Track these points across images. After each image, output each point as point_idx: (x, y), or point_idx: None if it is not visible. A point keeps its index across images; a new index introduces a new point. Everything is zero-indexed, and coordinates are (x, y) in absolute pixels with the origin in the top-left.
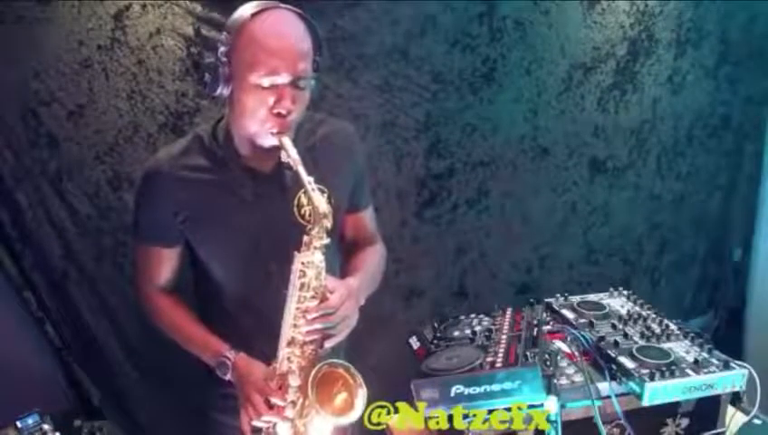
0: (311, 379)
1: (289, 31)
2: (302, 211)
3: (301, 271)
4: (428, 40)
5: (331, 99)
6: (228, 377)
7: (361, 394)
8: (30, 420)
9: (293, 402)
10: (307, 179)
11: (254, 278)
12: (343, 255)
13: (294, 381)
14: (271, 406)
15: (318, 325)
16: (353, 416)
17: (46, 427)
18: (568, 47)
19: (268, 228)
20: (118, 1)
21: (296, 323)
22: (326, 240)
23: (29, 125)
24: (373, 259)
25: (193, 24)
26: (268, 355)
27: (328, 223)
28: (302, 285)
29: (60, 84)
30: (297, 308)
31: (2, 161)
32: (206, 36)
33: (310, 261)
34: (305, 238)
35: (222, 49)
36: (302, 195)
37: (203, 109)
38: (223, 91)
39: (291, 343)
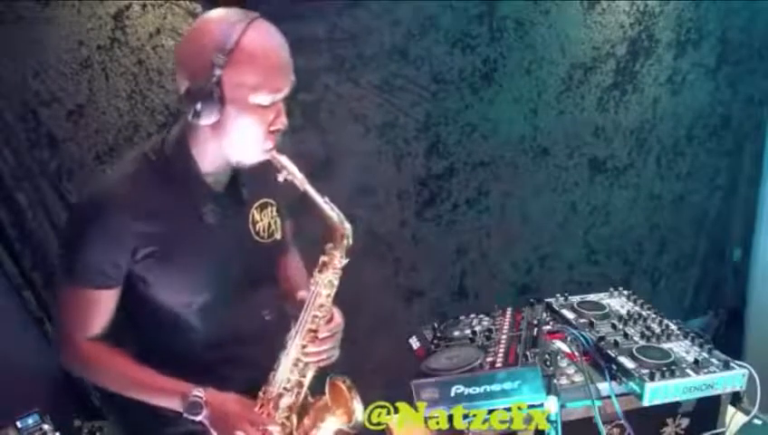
0: (327, 392)
1: (280, 43)
2: (257, 228)
3: (319, 292)
4: (428, 40)
5: (331, 99)
6: (201, 417)
7: (358, 405)
8: (30, 420)
9: (284, 425)
10: (322, 199)
11: (230, 308)
12: None
13: (285, 402)
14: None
15: (327, 345)
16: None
17: (46, 427)
18: (568, 47)
19: (236, 250)
20: (118, 1)
21: (303, 343)
22: (345, 260)
23: (29, 125)
24: (300, 264)
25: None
26: (243, 393)
27: (350, 241)
28: (320, 306)
29: (60, 84)
30: (308, 329)
31: (2, 161)
32: None
33: (329, 281)
34: (324, 258)
35: (217, 72)
36: (255, 211)
37: None
38: (217, 117)
39: (294, 364)
